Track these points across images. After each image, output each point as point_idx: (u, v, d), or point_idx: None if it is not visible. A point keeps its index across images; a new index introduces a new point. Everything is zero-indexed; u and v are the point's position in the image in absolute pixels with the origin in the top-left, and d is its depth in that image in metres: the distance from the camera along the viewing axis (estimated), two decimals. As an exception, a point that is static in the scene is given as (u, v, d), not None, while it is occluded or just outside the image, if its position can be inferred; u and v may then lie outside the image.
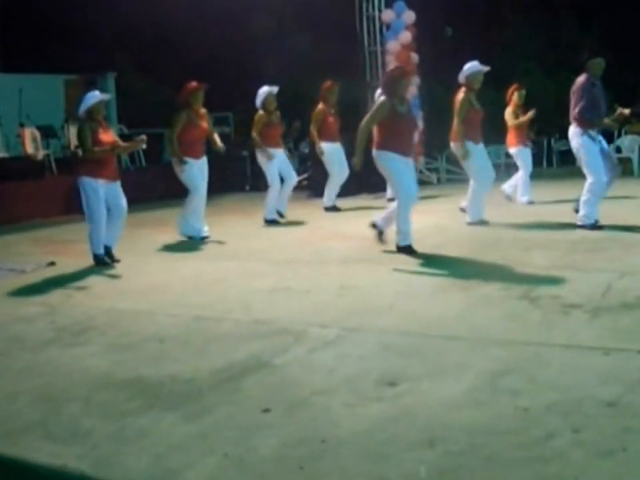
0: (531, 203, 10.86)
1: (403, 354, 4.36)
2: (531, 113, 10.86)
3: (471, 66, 9.07)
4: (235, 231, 9.88)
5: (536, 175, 11.95)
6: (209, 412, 3.66)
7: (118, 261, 7.90)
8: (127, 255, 8.07)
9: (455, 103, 9.03)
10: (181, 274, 7.28)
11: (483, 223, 8.99)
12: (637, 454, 2.96)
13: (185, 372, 4.26)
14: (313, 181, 14.44)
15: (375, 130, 7.45)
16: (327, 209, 11.49)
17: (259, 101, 10.39)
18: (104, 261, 7.75)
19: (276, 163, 10.48)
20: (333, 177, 11.59)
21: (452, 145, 9.23)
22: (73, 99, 17.52)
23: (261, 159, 10.53)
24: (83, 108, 7.83)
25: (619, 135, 17.18)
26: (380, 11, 15.13)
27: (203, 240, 9.16)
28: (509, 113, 11.03)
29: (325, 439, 3.26)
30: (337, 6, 16.19)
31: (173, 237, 9.34)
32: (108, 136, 7.95)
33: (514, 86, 11.18)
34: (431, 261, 7.02)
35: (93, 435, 3.49)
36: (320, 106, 11.40)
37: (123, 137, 16.94)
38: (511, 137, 11.13)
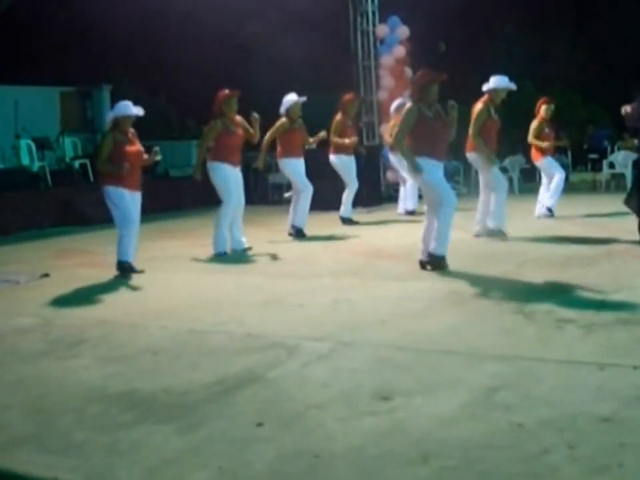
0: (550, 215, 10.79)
1: (397, 368, 4.35)
2: (554, 142, 10.91)
3: (500, 79, 9.11)
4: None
5: (533, 189, 11.99)
6: (203, 425, 3.64)
7: (142, 271, 7.83)
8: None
9: (473, 113, 9.04)
10: (174, 286, 7.26)
11: (502, 234, 8.99)
12: (632, 470, 2.95)
13: (179, 385, 4.24)
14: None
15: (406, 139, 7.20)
16: (344, 221, 11.39)
17: (283, 107, 10.19)
18: (130, 269, 7.70)
19: (301, 170, 10.31)
20: (349, 187, 11.46)
21: (468, 154, 9.23)
22: (69, 111, 17.58)
23: (286, 169, 10.38)
24: (110, 115, 7.77)
25: (612, 151, 17.26)
26: (374, 25, 15.20)
27: (244, 251, 8.96)
28: (534, 127, 10.97)
29: (318, 454, 3.25)
30: (332, 20, 16.28)
31: (164, 249, 9.33)
32: (134, 147, 7.84)
33: (542, 99, 11.14)
34: (425, 275, 7.01)
35: (85, 447, 3.47)
36: (339, 117, 11.29)
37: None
38: (535, 150, 11.10)
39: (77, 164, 15.68)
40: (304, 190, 10.25)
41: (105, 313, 6.23)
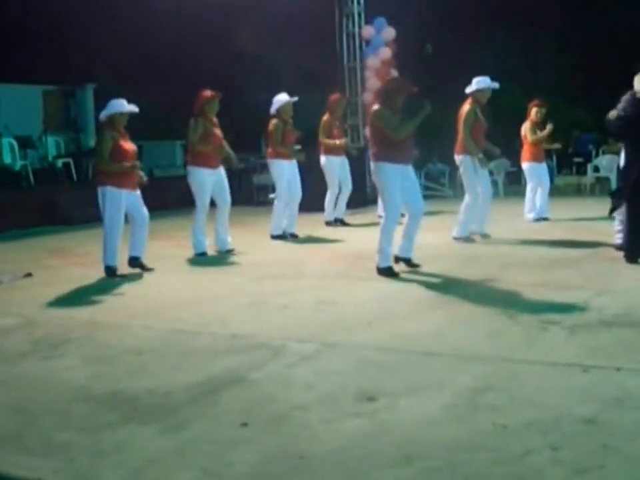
0: (537, 220, 10.77)
1: (382, 370, 4.35)
2: (549, 127, 10.84)
3: (482, 80, 9.13)
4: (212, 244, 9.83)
5: (518, 192, 12.03)
6: (187, 426, 3.64)
7: (151, 269, 7.84)
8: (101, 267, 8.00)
9: (460, 115, 9.05)
10: (159, 287, 7.24)
11: (468, 240, 8.97)
12: (614, 471, 2.97)
13: (163, 385, 4.23)
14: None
15: (371, 142, 7.24)
16: (328, 223, 11.32)
17: (274, 107, 10.04)
18: (115, 273, 7.64)
19: (286, 174, 10.15)
20: (330, 190, 11.39)
21: (456, 157, 9.23)
22: (52, 110, 17.51)
23: (272, 169, 10.28)
24: (104, 113, 7.68)
25: (597, 155, 17.37)
26: (360, 27, 15.20)
27: (228, 253, 8.96)
28: (526, 128, 10.95)
29: (303, 455, 3.25)
30: (318, 22, 16.28)
31: (149, 250, 9.27)
32: (129, 145, 7.79)
33: (534, 102, 11.11)
34: (410, 277, 7.02)
35: (69, 448, 3.46)
36: (326, 117, 11.20)
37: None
38: (525, 152, 11.08)
39: (59, 163, 15.61)
40: (281, 196, 10.16)
41: (89, 313, 6.20)
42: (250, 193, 15.93)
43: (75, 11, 18.82)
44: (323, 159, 11.29)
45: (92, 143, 17.09)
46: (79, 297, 6.90)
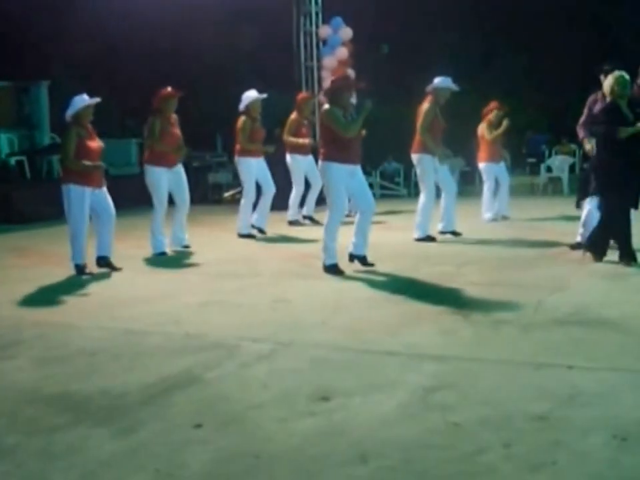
0: (495, 220, 10.84)
1: (337, 369, 4.35)
2: (505, 123, 10.89)
3: (443, 81, 9.15)
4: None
5: (472, 192, 12.11)
6: (140, 428, 3.59)
7: (119, 269, 7.74)
8: (57, 267, 7.90)
9: (419, 113, 9.06)
10: (113, 287, 7.16)
11: (430, 239, 9.00)
12: (566, 467, 3.01)
13: (115, 387, 4.18)
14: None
15: (321, 141, 7.23)
16: (291, 223, 11.28)
17: (243, 104, 9.96)
18: (84, 271, 7.54)
19: (254, 172, 10.09)
20: (295, 188, 11.33)
21: (414, 156, 9.23)
22: (5, 106, 17.19)
23: (240, 167, 10.18)
24: (70, 112, 7.56)
25: (550, 155, 17.60)
26: (317, 26, 15.21)
27: (184, 248, 8.99)
28: (483, 127, 11.01)
29: (258, 455, 3.23)
30: (275, 20, 16.25)
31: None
32: (95, 143, 7.69)
33: (494, 104, 11.15)
34: (365, 276, 7.03)
35: (18, 451, 3.40)
36: (294, 116, 11.17)
37: (55, 145, 16.72)
38: (482, 153, 11.13)
39: (12, 160, 15.36)
40: (248, 194, 10.08)
41: (41, 314, 6.11)
42: (205, 192, 15.86)
43: (30, 7, 18.59)
44: (288, 157, 11.26)
45: (47, 140, 16.87)
46: (31, 297, 6.79)
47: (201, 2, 16.97)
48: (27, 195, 13.05)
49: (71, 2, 17.59)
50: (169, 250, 8.89)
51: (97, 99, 7.71)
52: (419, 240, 8.98)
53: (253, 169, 10.08)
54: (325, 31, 15.01)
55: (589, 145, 7.89)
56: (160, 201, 8.82)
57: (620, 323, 5.05)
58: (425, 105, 9.06)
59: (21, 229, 11.69)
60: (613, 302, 5.68)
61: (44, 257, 8.41)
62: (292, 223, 11.33)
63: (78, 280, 7.39)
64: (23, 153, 15.77)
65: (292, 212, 11.41)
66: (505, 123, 10.89)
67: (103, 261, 7.80)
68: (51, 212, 12.18)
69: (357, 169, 7.30)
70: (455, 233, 9.27)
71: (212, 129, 18.85)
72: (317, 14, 15.30)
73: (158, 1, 16.61)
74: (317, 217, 11.34)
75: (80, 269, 7.58)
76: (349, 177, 7.15)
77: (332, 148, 7.09)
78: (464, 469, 3.03)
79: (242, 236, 10.06)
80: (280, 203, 11.28)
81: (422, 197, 9.11)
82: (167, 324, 5.53)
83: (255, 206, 10.24)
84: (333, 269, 7.12)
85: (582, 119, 8.20)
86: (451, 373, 4.20)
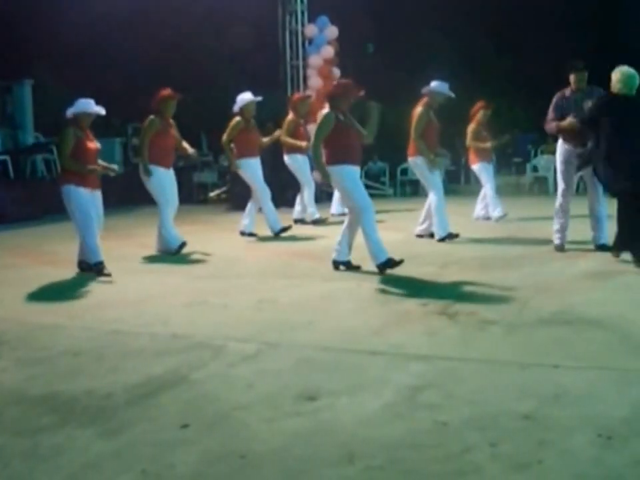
0: (503, 216, 10.78)
1: (323, 369, 4.35)
2: (498, 141, 10.97)
3: (440, 85, 9.14)
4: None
5: (457, 190, 12.14)
6: (125, 428, 3.58)
7: (108, 274, 7.61)
8: (42, 267, 7.87)
9: (413, 117, 9.06)
10: (98, 287, 7.13)
11: (452, 236, 8.95)
12: (552, 467, 3.02)
13: (101, 387, 4.16)
14: (231, 195, 14.40)
15: (324, 146, 7.17)
16: (315, 222, 11.26)
17: (237, 106, 9.97)
18: (103, 271, 7.44)
19: (258, 170, 10.06)
20: (307, 186, 11.36)
21: (410, 160, 9.23)
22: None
23: (243, 171, 10.10)
24: (71, 110, 7.51)
25: (536, 155, 17.68)
26: (303, 25, 15.22)
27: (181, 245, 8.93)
28: (471, 130, 11.00)
29: (244, 455, 3.23)
30: (260, 19, 16.24)
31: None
32: (92, 144, 7.66)
33: (480, 103, 11.15)
34: (350, 276, 7.04)
35: (4, 452, 3.38)
36: (290, 116, 11.15)
37: (39, 145, 16.65)
38: (474, 154, 11.11)
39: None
40: (262, 192, 10.02)
41: (25, 314, 6.08)
42: (190, 191, 15.85)
43: (13, 5, 18.48)
44: (286, 158, 11.24)
45: (30, 139, 16.77)
46: (16, 297, 6.75)
47: (186, 1, 16.95)
48: (10, 194, 12.98)
49: (52, 1, 17.47)
50: (156, 252, 8.85)
51: (101, 111, 7.64)
52: (441, 240, 8.90)
53: (256, 169, 10.06)
54: (310, 29, 15.03)
55: (568, 121, 7.69)
56: (165, 197, 8.85)
57: (605, 322, 5.08)
58: (419, 109, 9.05)
59: (4, 229, 11.63)
60: (598, 301, 5.72)
61: (29, 257, 8.37)
62: (315, 222, 11.29)
63: (63, 281, 7.36)
64: (6, 152, 15.67)
65: (311, 210, 11.39)
66: (506, 138, 10.99)
67: (85, 263, 7.73)
68: (34, 211, 12.16)
69: (359, 170, 7.44)
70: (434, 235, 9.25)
71: (196, 128, 18.84)
72: (302, 13, 15.35)
73: (142, 1, 16.56)
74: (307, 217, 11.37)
75: (99, 268, 7.46)
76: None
77: (338, 151, 7.07)
78: (450, 468, 3.04)
79: (278, 233, 10.01)
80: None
81: (431, 196, 9.10)
82: (154, 325, 5.52)
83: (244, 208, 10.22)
84: (389, 264, 6.96)
85: (548, 115, 8.01)
86: (437, 372, 4.21)
